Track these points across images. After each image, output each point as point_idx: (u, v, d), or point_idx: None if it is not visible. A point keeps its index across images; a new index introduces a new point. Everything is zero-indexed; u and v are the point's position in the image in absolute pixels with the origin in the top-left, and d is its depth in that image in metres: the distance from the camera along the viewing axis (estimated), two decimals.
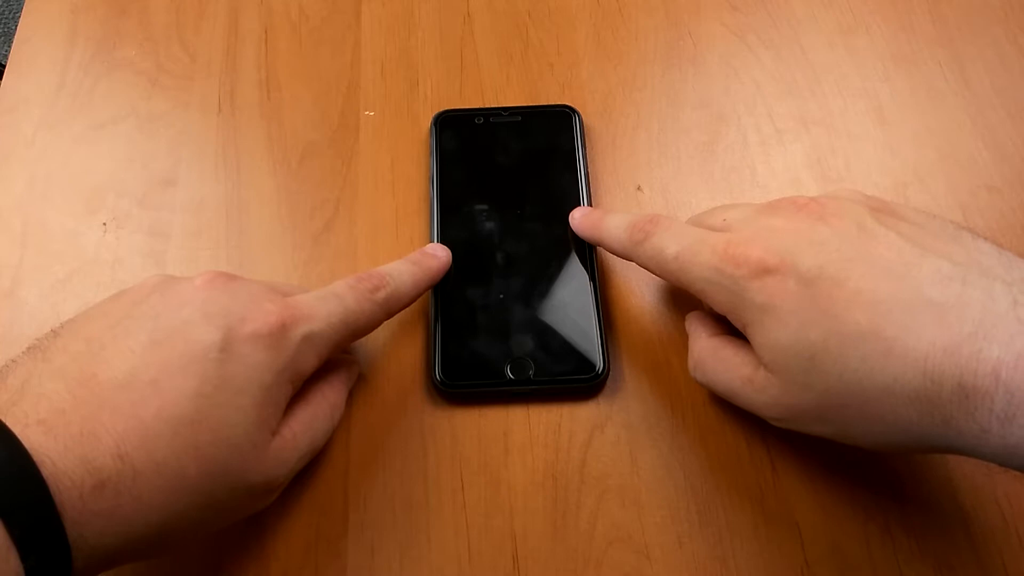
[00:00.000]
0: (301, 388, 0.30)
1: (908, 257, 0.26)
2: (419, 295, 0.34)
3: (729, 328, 0.31)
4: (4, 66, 0.43)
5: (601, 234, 0.34)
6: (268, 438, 0.28)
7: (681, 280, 0.30)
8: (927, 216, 0.28)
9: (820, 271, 0.26)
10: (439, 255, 0.35)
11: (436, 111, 0.40)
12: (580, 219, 0.36)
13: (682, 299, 0.36)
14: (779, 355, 0.27)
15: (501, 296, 0.35)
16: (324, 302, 0.30)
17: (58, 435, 0.23)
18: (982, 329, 0.23)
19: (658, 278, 0.36)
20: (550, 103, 0.41)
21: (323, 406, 0.30)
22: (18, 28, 0.44)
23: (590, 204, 0.37)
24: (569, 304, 0.35)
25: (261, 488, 0.28)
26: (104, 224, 0.38)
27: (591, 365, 0.33)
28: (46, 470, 0.22)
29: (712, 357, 0.31)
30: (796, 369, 0.27)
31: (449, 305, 0.35)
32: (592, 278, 0.35)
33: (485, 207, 0.37)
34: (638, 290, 0.36)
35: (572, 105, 0.40)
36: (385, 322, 0.35)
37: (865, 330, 0.25)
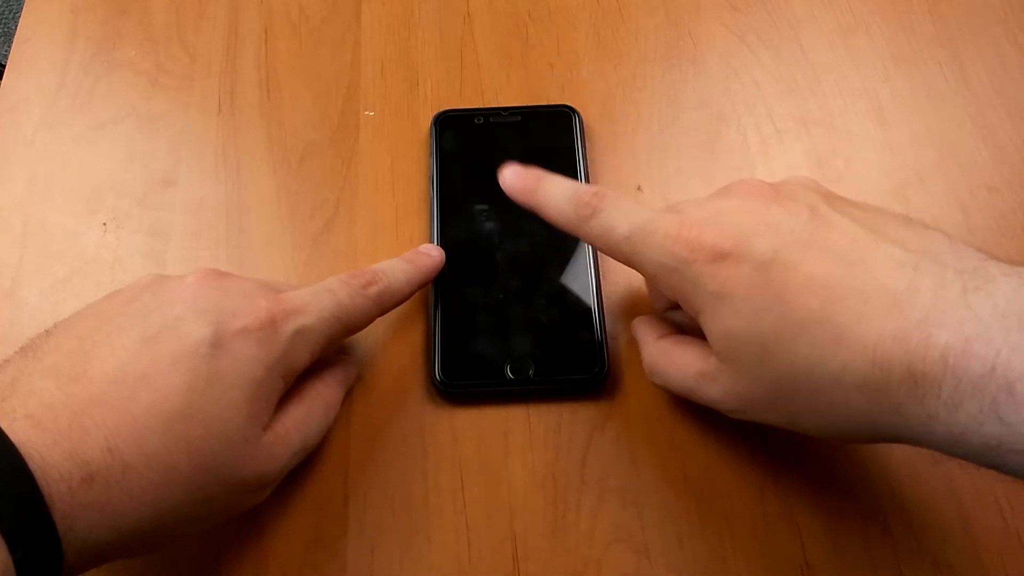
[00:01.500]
0: (297, 386, 0.30)
1: (861, 242, 0.25)
2: (412, 293, 0.34)
3: (675, 329, 0.32)
4: (4, 66, 0.43)
5: (539, 200, 0.32)
6: (260, 433, 0.28)
7: (631, 261, 0.29)
8: (876, 207, 0.28)
9: (774, 255, 0.26)
10: (432, 254, 0.35)
11: (436, 111, 0.40)
12: (512, 179, 0.32)
13: None
14: (732, 343, 0.27)
15: (501, 296, 0.35)
16: (316, 297, 0.30)
17: (46, 429, 0.23)
18: (932, 315, 0.23)
19: None
20: (550, 103, 0.41)
21: (318, 404, 0.30)
22: (18, 28, 0.44)
23: None
24: (569, 304, 0.35)
25: (254, 483, 0.28)
26: (104, 224, 0.38)
27: (591, 365, 0.33)
28: (34, 463, 0.22)
29: (664, 359, 0.31)
30: (748, 357, 0.26)
31: (449, 305, 0.35)
32: (592, 278, 0.35)
33: (485, 207, 0.37)
34: (638, 290, 0.36)
35: (572, 105, 0.40)
36: (385, 322, 0.35)
37: (817, 316, 0.25)
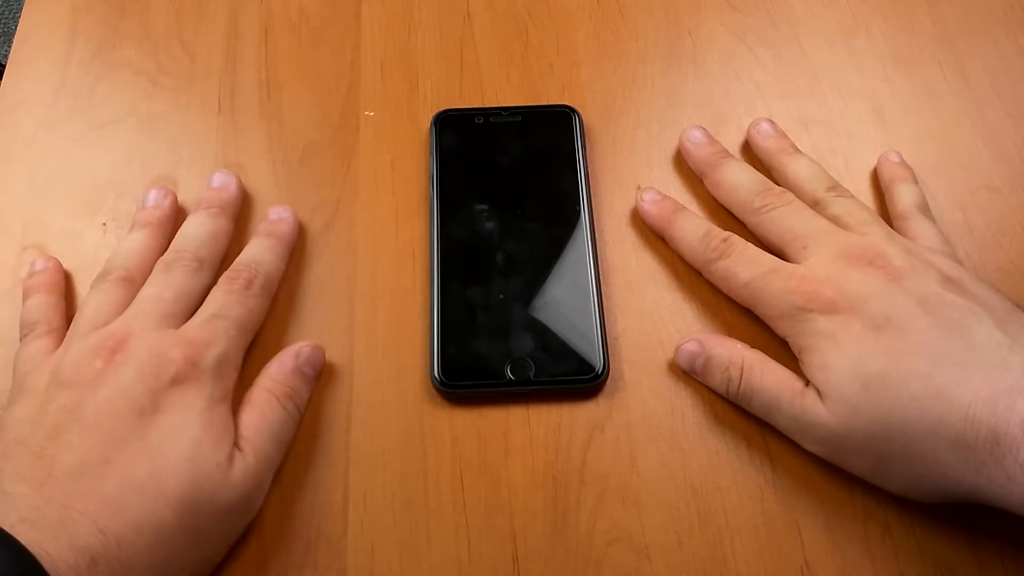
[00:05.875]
0: (247, 393, 0.32)
1: (968, 320, 0.28)
2: (286, 265, 0.36)
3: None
4: (4, 66, 0.43)
5: (672, 233, 0.36)
6: (228, 452, 0.29)
7: (748, 303, 0.33)
8: (990, 290, 0.30)
9: (887, 320, 0.29)
10: (285, 216, 0.37)
11: (436, 111, 0.40)
12: (650, 205, 0.37)
13: (682, 299, 0.36)
14: (834, 377, 0.29)
15: (501, 296, 0.35)
16: (216, 321, 0.32)
17: (43, 528, 0.25)
18: (1019, 386, 0.26)
19: (658, 279, 0.36)
20: (550, 103, 0.41)
21: (269, 402, 0.31)
22: (18, 28, 0.44)
23: (590, 204, 0.37)
24: (569, 304, 0.35)
25: (239, 504, 0.29)
26: (104, 224, 0.38)
27: (591, 365, 0.33)
28: (44, 562, 0.23)
29: (760, 365, 0.32)
30: (849, 392, 0.29)
31: (449, 305, 0.35)
32: (592, 278, 0.35)
33: (485, 207, 0.37)
34: (638, 290, 0.36)
35: (572, 105, 0.40)
36: (385, 322, 0.35)
37: (921, 373, 0.27)
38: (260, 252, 0.35)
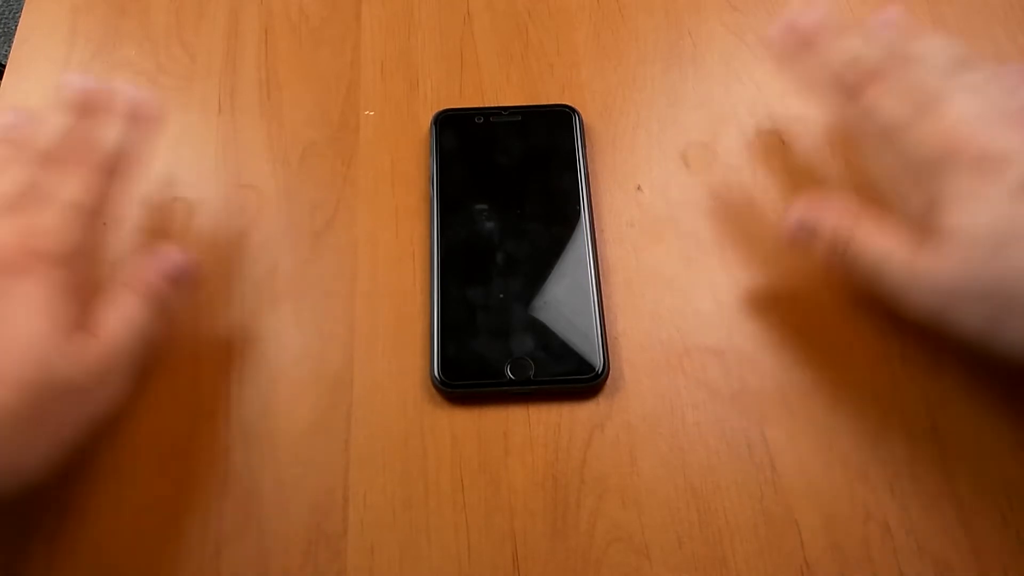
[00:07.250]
0: (111, 290, 0.31)
1: None
2: (138, 146, 0.33)
3: None
4: (4, 66, 0.43)
5: (816, 54, 0.33)
6: (70, 333, 0.28)
7: (884, 143, 0.31)
8: None
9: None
10: (143, 99, 0.33)
11: (436, 111, 0.40)
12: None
13: (682, 299, 0.36)
14: (970, 227, 0.28)
15: (501, 296, 0.35)
16: (61, 208, 0.30)
17: None
18: None
19: (658, 279, 0.36)
20: (550, 103, 0.41)
21: (130, 299, 0.31)
22: (18, 28, 0.44)
23: (590, 204, 0.37)
24: (569, 304, 0.35)
25: (87, 381, 0.29)
26: (104, 224, 0.38)
27: (591, 365, 0.33)
28: None
29: (870, 220, 0.31)
30: (983, 244, 0.28)
31: (449, 305, 0.35)
32: (592, 278, 0.35)
33: (485, 207, 0.37)
34: (638, 290, 0.36)
35: (572, 105, 0.40)
36: (385, 321, 0.35)
37: None
38: (108, 131, 0.32)
